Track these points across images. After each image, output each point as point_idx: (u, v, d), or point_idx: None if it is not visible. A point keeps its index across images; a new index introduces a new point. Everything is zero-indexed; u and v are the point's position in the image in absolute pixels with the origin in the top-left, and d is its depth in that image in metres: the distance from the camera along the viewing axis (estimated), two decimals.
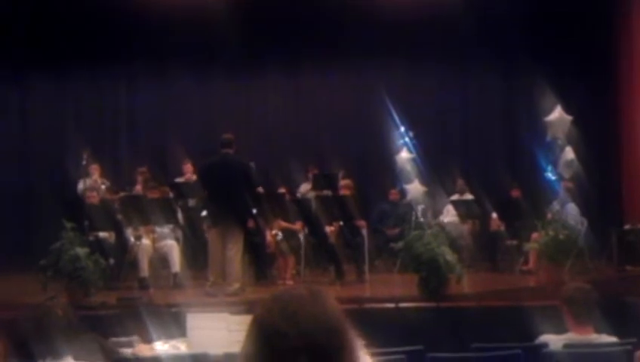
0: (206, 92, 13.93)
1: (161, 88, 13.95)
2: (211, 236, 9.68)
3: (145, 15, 12.72)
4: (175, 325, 5.94)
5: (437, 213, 12.24)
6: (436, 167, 12.67)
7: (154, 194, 10.76)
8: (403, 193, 12.72)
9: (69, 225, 8.73)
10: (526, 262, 10.96)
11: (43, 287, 8.83)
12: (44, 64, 13.45)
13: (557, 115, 12.33)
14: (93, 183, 11.54)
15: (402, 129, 12.97)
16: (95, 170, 11.86)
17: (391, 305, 8.77)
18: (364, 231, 10.77)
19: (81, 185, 11.80)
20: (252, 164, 10.83)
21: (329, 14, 13.10)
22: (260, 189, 10.63)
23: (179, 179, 12.06)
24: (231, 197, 9.35)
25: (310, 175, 12.01)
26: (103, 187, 11.77)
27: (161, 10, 12.72)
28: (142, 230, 10.32)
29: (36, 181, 13.36)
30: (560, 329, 4.75)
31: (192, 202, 11.69)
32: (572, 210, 11.31)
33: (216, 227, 9.54)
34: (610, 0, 13.30)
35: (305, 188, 12.18)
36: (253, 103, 13.84)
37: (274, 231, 10.50)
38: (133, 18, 12.79)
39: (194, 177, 11.92)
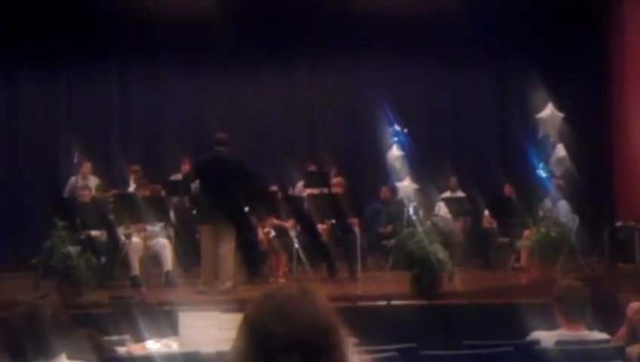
0: (198, 88, 13.91)
1: (153, 84, 13.92)
2: (203, 234, 9.62)
3: (137, 11, 12.70)
4: (167, 323, 5.92)
5: (429, 210, 12.23)
6: (428, 165, 12.68)
7: (145, 192, 10.72)
8: (395, 191, 12.71)
9: (60, 223, 8.68)
10: (518, 260, 10.98)
11: (35, 286, 8.81)
12: (34, 60, 13.40)
13: (548, 112, 12.33)
14: (83, 181, 11.50)
15: (395, 126, 12.96)
16: (87, 169, 11.82)
17: (383, 303, 8.76)
18: (357, 229, 10.75)
19: (70, 184, 11.77)
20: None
21: (322, 10, 13.10)
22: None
23: (174, 177, 12.01)
24: (224, 194, 9.30)
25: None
26: (93, 185, 11.71)
27: (153, 5, 12.71)
28: (132, 228, 10.29)
29: (27, 179, 13.28)
30: (552, 327, 4.76)
31: (184, 200, 11.68)
32: (564, 207, 11.33)
33: (209, 224, 9.50)
34: None
35: (301, 185, 12.14)
36: (245, 100, 13.81)
37: (266, 229, 10.47)
38: (124, 14, 12.75)
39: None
